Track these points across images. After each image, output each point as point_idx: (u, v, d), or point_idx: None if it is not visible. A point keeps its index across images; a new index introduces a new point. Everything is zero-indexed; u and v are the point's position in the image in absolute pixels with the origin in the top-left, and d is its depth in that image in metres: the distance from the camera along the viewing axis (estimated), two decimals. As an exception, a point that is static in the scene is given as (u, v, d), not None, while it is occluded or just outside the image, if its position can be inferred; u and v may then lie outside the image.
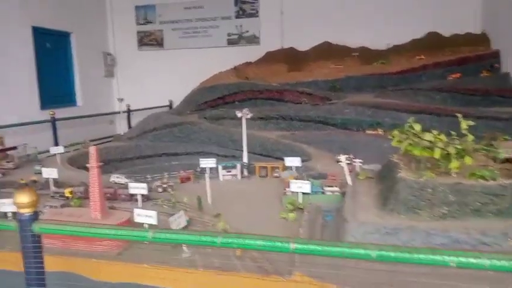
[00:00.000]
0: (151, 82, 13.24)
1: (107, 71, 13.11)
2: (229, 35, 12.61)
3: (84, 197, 4.60)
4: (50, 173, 4.84)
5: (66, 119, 9.88)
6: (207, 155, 9.24)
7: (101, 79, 13.08)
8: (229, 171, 5.44)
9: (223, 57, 12.32)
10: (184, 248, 3.09)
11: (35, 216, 2.17)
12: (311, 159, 7.06)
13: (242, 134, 5.73)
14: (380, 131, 8.59)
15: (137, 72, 13.41)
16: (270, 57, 12.00)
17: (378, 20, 11.41)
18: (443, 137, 3.45)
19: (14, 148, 6.72)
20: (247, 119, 10.28)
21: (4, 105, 9.35)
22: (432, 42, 10.82)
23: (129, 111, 11.27)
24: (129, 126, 11.23)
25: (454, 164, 3.30)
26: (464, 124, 3.51)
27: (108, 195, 4.47)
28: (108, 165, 8.38)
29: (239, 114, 5.68)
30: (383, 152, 8.12)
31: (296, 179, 4.48)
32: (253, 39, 12.47)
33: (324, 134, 9.07)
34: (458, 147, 3.36)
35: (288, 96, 10.44)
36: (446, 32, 10.83)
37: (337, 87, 10.31)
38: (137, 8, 13.15)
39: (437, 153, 3.34)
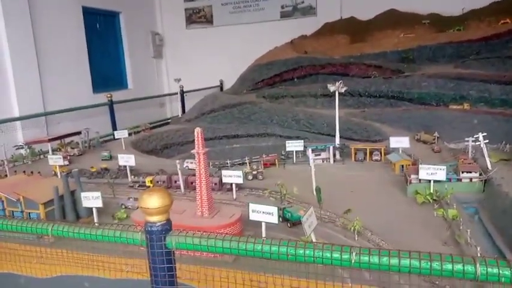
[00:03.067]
0: (201, 62, 12.62)
1: (156, 52, 12.62)
2: (282, 7, 11.76)
3: (167, 186, 4.06)
4: (126, 160, 4.31)
5: (123, 102, 9.47)
6: (270, 136, 8.62)
7: (149, 60, 12.63)
8: (319, 155, 4.75)
9: (276, 32, 11.52)
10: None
11: (168, 226, 1.58)
12: (387, 139, 6.27)
13: (335, 112, 5.02)
14: (466, 106, 7.60)
15: (186, 51, 12.85)
16: (329, 29, 11.09)
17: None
18: None
19: (78, 133, 6.29)
20: (308, 95, 9.65)
21: (57, 89, 9.04)
22: (517, 3, 9.51)
23: (182, 93, 10.75)
24: (183, 108, 10.71)
25: None
26: None
27: (193, 184, 3.89)
28: (169, 149, 7.93)
29: (332, 88, 4.94)
30: (472, 129, 7.19)
31: (413, 163, 3.73)
32: (309, 11, 11.56)
33: (399, 110, 8.16)
34: None
35: (353, 70, 9.54)
36: (532, -9, 9.50)
37: (410, 58, 9.29)
38: (185, -17, 12.50)
39: None
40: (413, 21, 10.33)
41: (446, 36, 9.52)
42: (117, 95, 10.45)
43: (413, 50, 9.47)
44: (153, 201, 1.53)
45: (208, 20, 12.57)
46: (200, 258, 2.57)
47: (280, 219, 3.08)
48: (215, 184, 3.93)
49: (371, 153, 4.68)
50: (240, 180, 3.61)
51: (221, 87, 12.56)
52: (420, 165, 3.36)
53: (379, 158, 4.62)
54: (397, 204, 3.33)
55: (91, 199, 3.10)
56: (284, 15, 11.82)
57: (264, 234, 2.66)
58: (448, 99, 7.96)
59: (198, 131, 2.89)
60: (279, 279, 2.41)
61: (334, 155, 4.80)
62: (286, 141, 4.91)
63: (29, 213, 3.13)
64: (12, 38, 7.85)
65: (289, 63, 10.14)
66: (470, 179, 3.40)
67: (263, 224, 2.65)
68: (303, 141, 4.85)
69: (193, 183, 3.93)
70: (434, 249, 2.44)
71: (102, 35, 10.89)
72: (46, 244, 2.99)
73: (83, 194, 3.14)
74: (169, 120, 10.00)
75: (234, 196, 3.67)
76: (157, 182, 4.13)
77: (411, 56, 9.37)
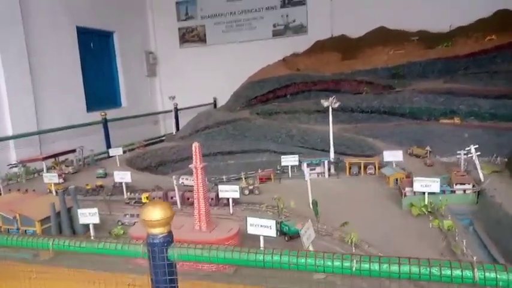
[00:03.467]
0: (194, 80, 12.73)
1: (149, 70, 12.72)
2: (274, 26, 11.98)
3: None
4: (122, 176, 4.31)
5: (117, 120, 9.49)
6: (264, 152, 8.64)
7: (143, 79, 12.72)
8: (313, 169, 4.79)
9: (268, 50, 11.69)
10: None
11: (170, 238, 1.59)
12: (381, 154, 6.34)
13: (329, 127, 5.07)
14: (457, 120, 7.73)
15: (179, 70, 12.97)
16: (320, 47, 11.29)
17: (437, 0, 10.51)
18: None
19: (73, 151, 6.28)
20: (301, 111, 9.74)
21: (52, 108, 9.05)
22: (502, 20, 9.80)
23: (176, 110, 10.80)
24: (177, 126, 10.74)
25: None
26: None
27: (189, 199, 3.90)
28: (164, 166, 7.93)
29: (325, 104, 5.02)
30: (463, 142, 7.31)
31: (407, 176, 3.78)
32: (301, 29, 11.79)
33: (391, 125, 8.27)
34: None
35: (345, 87, 9.69)
36: (515, 8, 9.82)
37: (400, 74, 9.47)
38: (178, 3, 12.70)
39: None
40: (402, 38, 10.56)
41: (435, 52, 9.74)
42: (111, 113, 10.47)
43: (404, 66, 9.65)
44: (156, 213, 1.55)
45: (202, 39, 12.73)
46: (201, 271, 2.57)
47: (278, 233, 3.09)
48: (212, 199, 3.93)
49: (365, 167, 4.73)
50: (237, 195, 3.62)
51: (215, 104, 12.65)
52: (414, 178, 3.41)
53: (373, 172, 4.67)
54: (393, 216, 3.37)
55: (88, 215, 3.10)
56: (276, 33, 12.03)
57: (262, 248, 2.68)
58: (439, 114, 8.09)
59: (195, 145, 2.92)
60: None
61: (329, 170, 4.84)
62: (282, 156, 4.96)
63: (25, 230, 3.11)
64: (6, 57, 7.89)
65: (282, 80, 10.27)
66: (464, 191, 3.45)
67: (261, 238, 2.66)
68: (297, 156, 4.89)
69: (190, 199, 3.95)
70: (431, 259, 2.47)
71: (96, 54, 10.97)
72: (43, 262, 2.97)
73: (79, 211, 3.13)
74: (163, 138, 10.00)
75: (231, 211, 3.68)
76: (154, 198, 4.13)
77: (401, 72, 9.55)
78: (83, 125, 8.66)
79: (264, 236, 2.66)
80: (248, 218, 2.69)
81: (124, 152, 6.75)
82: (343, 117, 8.90)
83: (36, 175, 5.75)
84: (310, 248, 2.49)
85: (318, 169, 4.78)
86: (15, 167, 5.71)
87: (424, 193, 3.36)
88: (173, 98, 10.23)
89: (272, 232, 2.61)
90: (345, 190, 4.20)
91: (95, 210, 3.09)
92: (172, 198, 4.10)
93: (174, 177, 4.04)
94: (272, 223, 2.61)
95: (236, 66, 11.78)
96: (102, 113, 8.70)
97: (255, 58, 11.32)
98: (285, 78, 10.26)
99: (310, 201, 3.58)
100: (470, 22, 10.22)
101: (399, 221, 3.24)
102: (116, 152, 6.29)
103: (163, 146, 8.31)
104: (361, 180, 4.56)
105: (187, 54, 12.96)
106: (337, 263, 1.37)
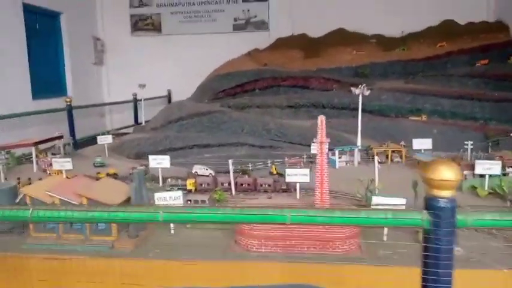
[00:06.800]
0: (146, 71, 11.94)
1: (97, 58, 11.67)
2: (235, 19, 11.77)
3: (213, 188, 3.71)
4: (160, 161, 3.80)
5: (85, 107, 8.59)
6: (242, 145, 8.40)
7: (90, 67, 11.61)
8: (340, 157, 4.75)
9: (228, 44, 11.47)
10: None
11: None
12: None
13: (358, 114, 5.06)
14: (424, 117, 8.30)
15: (130, 59, 12.09)
16: (282, 44, 11.36)
17: (390, 8, 11.26)
18: None
19: (60, 138, 5.44)
20: (273, 106, 9.68)
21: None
22: (448, 29, 10.82)
23: (136, 101, 9.99)
24: (136, 118, 9.95)
25: None
26: None
27: (243, 185, 3.60)
28: (142, 158, 7.28)
29: (357, 91, 5.03)
30: (433, 138, 7.81)
31: (459, 163, 3.90)
32: (262, 25, 11.77)
33: (363, 121, 8.56)
34: None
35: (313, 84, 9.85)
36: (459, 20, 10.88)
37: (365, 73, 9.90)
38: (131, -12, 11.87)
39: None
40: (361, 40, 11.09)
41: (395, 54, 10.38)
42: (57, 102, 9.38)
43: (366, 66, 10.11)
44: (447, 172, 1.36)
45: (156, 28, 12.04)
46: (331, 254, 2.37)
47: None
48: (248, 185, 3.67)
49: (392, 155, 4.82)
50: (307, 179, 3.41)
51: (169, 97, 12.03)
52: (476, 161, 3.55)
53: (399, 160, 4.77)
54: (461, 199, 3.44)
55: (168, 200, 2.66)
56: (237, 28, 11.83)
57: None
58: (406, 112, 8.61)
59: (322, 118, 2.69)
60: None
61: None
62: (312, 143, 4.82)
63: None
64: None
65: (250, 74, 10.13)
66: (514, 173, 3.69)
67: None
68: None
69: (243, 185, 3.64)
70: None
71: (42, 36, 9.75)
72: (123, 254, 2.48)
73: (157, 195, 2.69)
74: (125, 130, 9.20)
75: (298, 197, 3.46)
76: (201, 184, 3.73)
77: (365, 72, 9.99)
78: (49, 111, 7.63)
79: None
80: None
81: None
82: (315, 112, 9.01)
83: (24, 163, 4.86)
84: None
85: (344, 157, 4.76)
86: (-2, 153, 4.76)
87: (482, 176, 3.52)
88: (144, 86, 9.46)
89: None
90: (385, 178, 4.20)
91: (179, 193, 2.67)
92: (222, 184, 3.74)
93: (230, 161, 3.69)
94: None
95: (193, 58, 11.38)
96: (67, 99, 7.68)
97: (213, 52, 11.05)
98: (252, 73, 10.13)
99: (376, 185, 3.53)
100: (422, 29, 11.09)
101: (472, 202, 3.33)
102: (105, 139, 5.61)
103: (138, 137, 7.65)
104: (392, 167, 4.62)
105: (139, 43, 12.16)
106: None
